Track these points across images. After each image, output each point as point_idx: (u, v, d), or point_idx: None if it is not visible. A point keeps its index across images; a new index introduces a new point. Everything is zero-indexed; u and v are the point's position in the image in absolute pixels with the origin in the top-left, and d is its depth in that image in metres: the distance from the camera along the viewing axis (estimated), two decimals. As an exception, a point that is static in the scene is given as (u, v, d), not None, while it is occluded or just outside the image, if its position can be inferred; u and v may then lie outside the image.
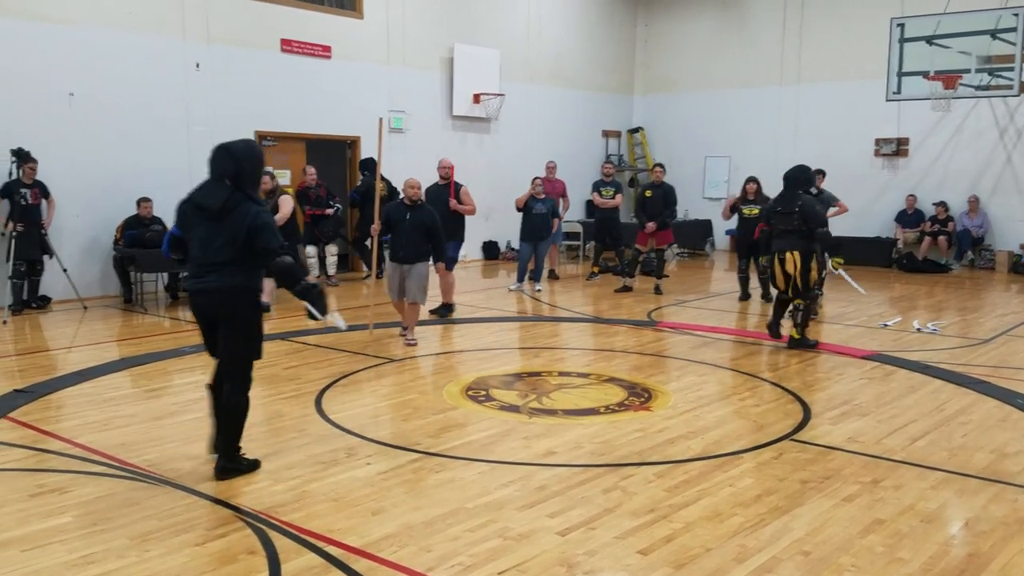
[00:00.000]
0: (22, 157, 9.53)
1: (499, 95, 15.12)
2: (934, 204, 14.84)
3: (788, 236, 7.91)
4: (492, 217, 15.65)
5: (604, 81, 18.08)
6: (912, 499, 4.31)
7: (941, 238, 14.58)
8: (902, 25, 12.56)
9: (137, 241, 10.27)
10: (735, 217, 10.97)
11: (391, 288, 8.22)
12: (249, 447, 5.01)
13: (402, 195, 8.27)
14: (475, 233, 15.56)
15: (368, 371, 7.10)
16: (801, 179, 8.11)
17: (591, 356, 7.89)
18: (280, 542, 3.71)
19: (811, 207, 7.92)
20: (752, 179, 10.86)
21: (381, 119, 8.78)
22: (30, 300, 9.81)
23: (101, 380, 6.67)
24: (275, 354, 7.73)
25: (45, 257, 9.84)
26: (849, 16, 15.61)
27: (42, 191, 9.83)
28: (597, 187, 12.75)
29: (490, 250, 15.79)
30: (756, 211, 10.47)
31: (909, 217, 15.10)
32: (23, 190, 9.57)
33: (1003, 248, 14.52)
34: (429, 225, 8.02)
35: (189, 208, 4.54)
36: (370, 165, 12.16)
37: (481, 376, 6.86)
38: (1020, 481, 4.57)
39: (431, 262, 8.25)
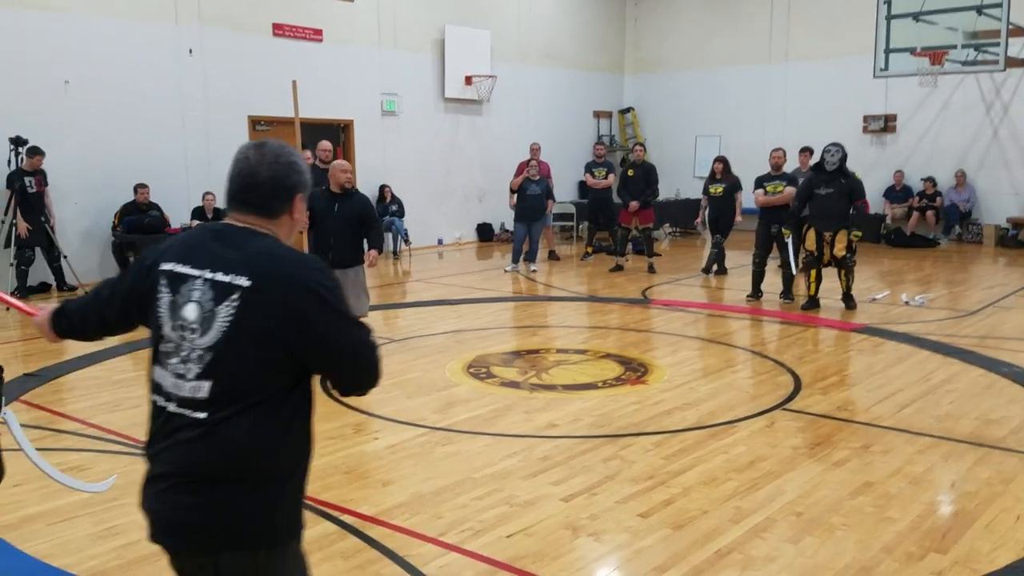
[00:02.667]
0: (20, 144, 9.57)
1: (491, 76, 15.17)
2: (922, 179, 15.00)
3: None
4: (485, 199, 15.76)
5: (595, 61, 18.12)
6: (900, 463, 4.49)
7: (929, 213, 14.76)
8: (889, 2, 12.64)
9: (136, 227, 10.36)
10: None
11: None
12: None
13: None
14: (469, 215, 15.73)
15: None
16: None
17: (587, 333, 8.05)
18: (296, 512, 3.87)
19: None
20: (719, 159, 11.34)
21: (295, 81, 7.66)
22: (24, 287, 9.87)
23: (107, 363, 6.80)
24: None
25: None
26: (837, -7, 15.69)
27: (43, 180, 9.89)
28: (589, 168, 12.88)
29: (484, 232, 15.91)
30: (720, 189, 10.96)
31: (897, 193, 15.27)
32: (27, 178, 9.64)
33: (990, 222, 14.68)
34: (362, 213, 6.53)
35: None
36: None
37: (481, 355, 7.02)
38: (1005, 445, 4.76)
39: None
